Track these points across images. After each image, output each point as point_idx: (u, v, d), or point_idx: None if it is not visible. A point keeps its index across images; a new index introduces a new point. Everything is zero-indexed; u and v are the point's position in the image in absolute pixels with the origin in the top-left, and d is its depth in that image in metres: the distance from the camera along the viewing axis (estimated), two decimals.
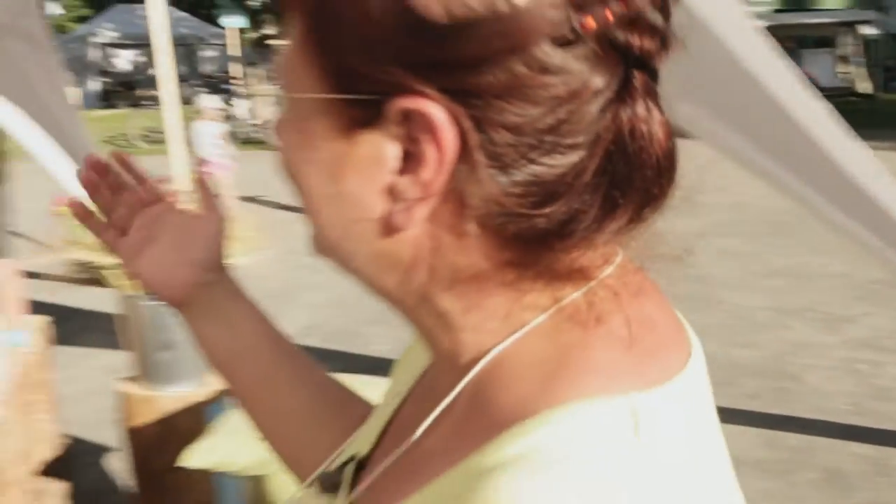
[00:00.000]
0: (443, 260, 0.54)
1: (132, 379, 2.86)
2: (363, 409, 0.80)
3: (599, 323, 0.53)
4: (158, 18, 3.96)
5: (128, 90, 21.45)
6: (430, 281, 0.55)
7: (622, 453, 0.47)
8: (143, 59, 24.18)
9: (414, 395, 0.67)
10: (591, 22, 0.48)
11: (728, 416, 4.29)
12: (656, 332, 0.56)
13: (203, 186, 0.87)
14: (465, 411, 0.54)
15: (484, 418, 0.52)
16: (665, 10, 0.51)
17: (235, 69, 16.82)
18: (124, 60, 24.30)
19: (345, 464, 0.67)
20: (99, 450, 3.84)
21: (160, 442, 2.69)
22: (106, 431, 3.76)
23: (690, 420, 0.55)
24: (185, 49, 21.62)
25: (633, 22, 0.49)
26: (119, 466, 3.72)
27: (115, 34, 23.10)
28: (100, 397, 4.02)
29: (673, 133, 0.53)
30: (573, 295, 0.54)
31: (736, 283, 6.19)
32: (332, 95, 0.52)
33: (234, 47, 17.23)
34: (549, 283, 0.54)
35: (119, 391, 2.85)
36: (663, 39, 0.51)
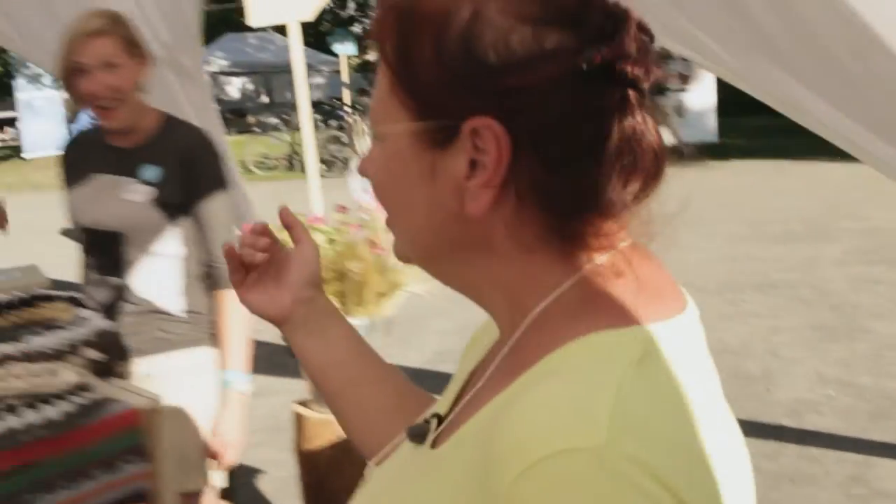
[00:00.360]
0: (505, 238, 0.73)
1: (307, 402, 2.87)
2: (430, 400, 0.95)
3: (618, 277, 0.72)
4: (297, 48, 4.05)
5: (238, 117, 22.04)
6: (496, 259, 0.74)
7: (617, 370, 0.64)
8: (252, 86, 24.86)
9: (482, 363, 0.83)
10: (597, 58, 0.68)
11: (885, 451, 4.06)
12: (659, 286, 0.75)
13: (293, 222, 1.04)
14: (514, 354, 0.73)
15: (526, 356, 0.70)
16: (644, 50, 0.71)
17: (346, 95, 17.09)
18: (235, 88, 25.06)
19: (427, 420, 0.81)
20: (252, 471, 3.88)
21: (335, 464, 2.70)
22: (261, 451, 3.81)
23: (688, 349, 0.72)
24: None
25: (626, 57, 0.69)
26: (272, 487, 3.78)
27: (226, 62, 23.82)
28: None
29: (660, 130, 0.73)
30: (600, 258, 0.73)
31: (882, 312, 5.90)
32: (420, 124, 0.72)
33: (345, 74, 17.56)
34: (582, 249, 0.73)
35: (295, 414, 2.87)
36: (648, 65, 0.71)
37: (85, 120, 23.00)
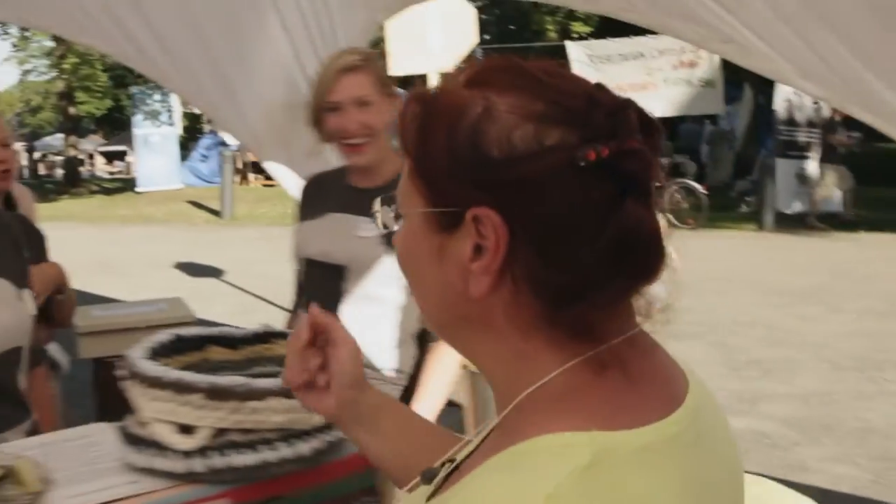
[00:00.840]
0: (504, 320, 0.79)
1: None
2: None
3: (603, 373, 0.76)
4: None
5: None
6: (496, 338, 0.80)
7: (560, 474, 0.68)
8: None
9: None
10: (592, 155, 0.73)
11: None
12: (646, 386, 0.78)
13: (326, 323, 1.10)
14: (499, 430, 0.80)
15: (504, 437, 0.76)
16: (652, 142, 0.76)
17: None
18: None
19: (443, 463, 0.88)
20: None
21: None
22: None
23: (661, 455, 0.74)
24: None
25: (624, 154, 0.74)
26: None
27: None
28: None
29: (656, 223, 0.76)
30: (588, 354, 0.77)
31: None
32: (428, 211, 0.80)
33: None
34: (573, 339, 0.77)
35: None
36: (647, 162, 0.75)
37: (196, 157, 23.68)
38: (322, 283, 2.29)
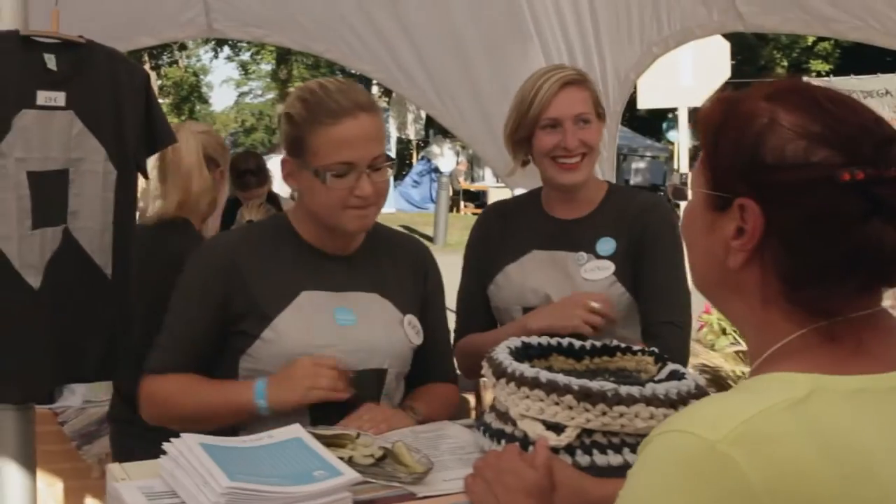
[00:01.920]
0: (752, 290, 0.98)
1: None
2: None
3: (832, 339, 0.94)
4: (684, 132, 4.10)
5: None
6: (746, 304, 1.00)
7: (775, 398, 0.88)
8: None
9: None
10: (846, 176, 0.89)
11: None
12: (874, 351, 0.94)
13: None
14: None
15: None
16: None
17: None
18: None
19: None
20: None
21: None
22: None
23: (861, 398, 0.90)
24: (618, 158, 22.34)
25: (880, 180, 0.90)
26: None
27: None
28: None
29: None
30: (822, 323, 0.94)
31: None
32: (708, 192, 1.01)
33: (675, 160, 17.53)
34: (806, 313, 0.95)
35: None
36: None
37: (409, 182, 23.98)
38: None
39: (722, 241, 0.99)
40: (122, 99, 2.20)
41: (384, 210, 2.53)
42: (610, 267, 2.16)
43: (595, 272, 2.16)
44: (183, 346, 1.90)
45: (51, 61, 2.11)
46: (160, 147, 2.35)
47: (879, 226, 0.90)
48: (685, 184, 1.12)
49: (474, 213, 20.11)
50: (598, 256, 2.17)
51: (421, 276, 2.08)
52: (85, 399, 3.30)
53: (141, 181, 2.38)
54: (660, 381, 1.56)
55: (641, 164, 23.98)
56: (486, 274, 2.27)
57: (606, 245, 2.18)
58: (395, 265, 2.04)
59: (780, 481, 0.83)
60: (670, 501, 0.87)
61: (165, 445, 1.48)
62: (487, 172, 22.45)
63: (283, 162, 1.94)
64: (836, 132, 0.92)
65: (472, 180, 22.80)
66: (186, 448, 1.44)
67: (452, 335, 2.26)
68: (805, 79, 1.05)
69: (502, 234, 2.28)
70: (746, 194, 0.95)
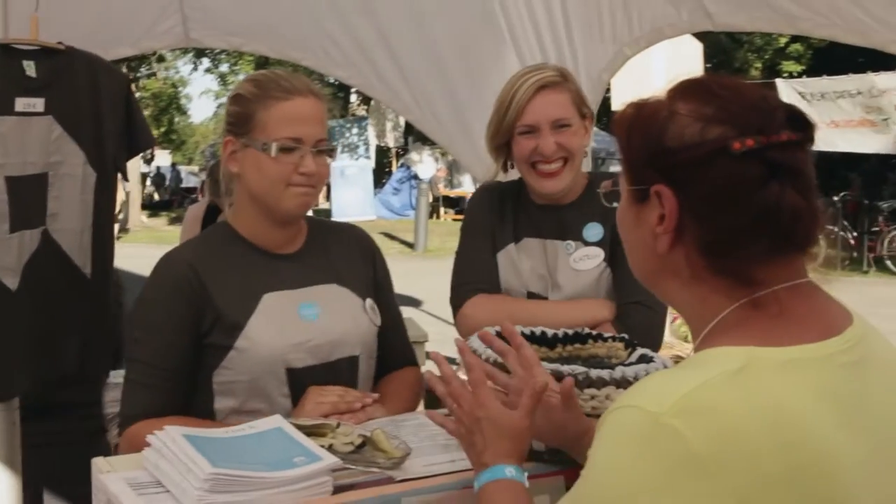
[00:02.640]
0: (683, 269, 1.08)
1: None
2: None
3: (763, 310, 1.03)
4: None
5: None
6: (681, 285, 1.10)
7: (713, 371, 0.96)
8: None
9: None
10: (737, 145, 1.01)
11: None
12: (803, 320, 1.03)
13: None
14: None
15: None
16: (805, 135, 1.05)
17: None
18: None
19: None
20: None
21: None
22: None
23: (807, 369, 0.98)
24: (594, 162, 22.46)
25: (771, 146, 1.01)
26: None
27: None
28: None
29: (804, 201, 1.02)
30: (750, 296, 1.04)
31: None
32: (629, 188, 1.12)
33: None
34: (736, 284, 1.04)
35: None
36: (792, 151, 1.03)
37: (388, 190, 24.03)
38: None
39: (649, 230, 1.10)
40: (103, 103, 2.24)
41: (364, 218, 2.59)
42: (599, 254, 2.17)
43: (584, 261, 2.17)
44: (165, 381, 1.85)
45: (30, 68, 2.14)
46: (141, 150, 2.38)
47: (777, 188, 1.00)
48: (616, 186, 1.20)
49: (455, 220, 20.17)
50: (587, 243, 2.19)
51: (370, 261, 2.13)
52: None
53: (121, 192, 2.41)
54: (629, 364, 1.61)
55: (619, 168, 24.04)
56: (494, 241, 2.27)
57: (594, 230, 2.19)
58: (344, 253, 2.08)
59: (722, 448, 0.90)
60: (626, 474, 0.95)
61: (149, 437, 1.51)
62: (466, 178, 22.55)
63: (226, 143, 1.94)
64: (727, 111, 1.04)
65: (452, 186, 22.87)
66: (170, 439, 1.48)
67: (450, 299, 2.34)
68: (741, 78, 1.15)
69: (501, 214, 2.28)
70: (659, 181, 1.06)
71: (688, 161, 1.04)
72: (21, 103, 2.15)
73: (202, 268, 1.91)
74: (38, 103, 2.17)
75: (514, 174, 2.33)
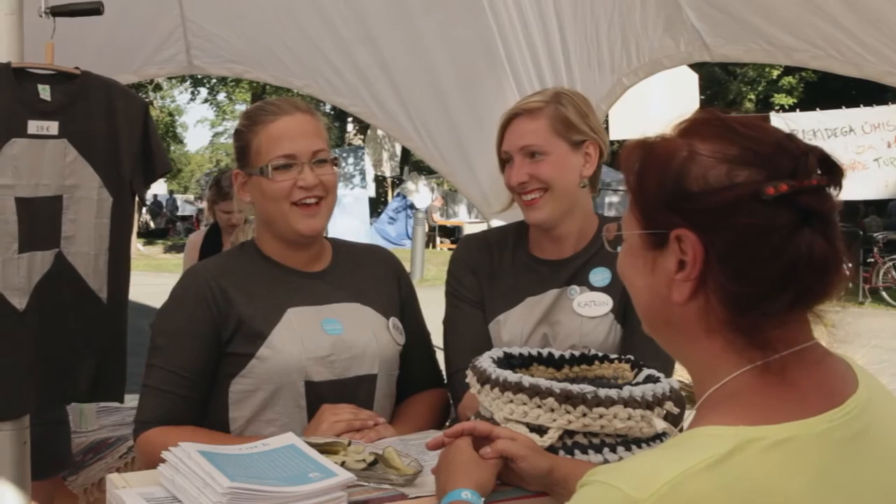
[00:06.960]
0: (696, 321, 1.00)
1: None
2: None
3: (766, 378, 0.97)
4: None
5: None
6: (691, 339, 1.02)
7: (699, 457, 0.89)
8: None
9: None
10: (771, 190, 0.93)
11: None
12: (805, 391, 0.97)
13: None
14: (693, 422, 0.99)
15: (690, 427, 0.98)
16: (834, 180, 0.98)
17: None
18: None
19: None
20: None
21: None
22: None
23: (784, 448, 0.91)
24: None
25: (802, 191, 0.95)
26: None
27: None
28: None
29: (833, 251, 0.95)
30: (758, 362, 0.97)
31: None
32: (643, 232, 1.03)
33: None
34: (749, 344, 0.97)
35: None
36: (824, 197, 0.96)
37: (384, 219, 23.94)
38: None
39: (665, 277, 1.01)
40: (118, 128, 2.28)
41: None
42: (606, 301, 2.03)
43: (590, 307, 2.03)
44: (182, 388, 1.89)
45: (45, 92, 2.18)
46: (158, 175, 2.42)
47: (809, 235, 0.94)
48: (621, 231, 1.10)
49: (450, 249, 20.15)
50: (593, 288, 2.05)
51: (395, 281, 2.16)
52: (71, 430, 3.31)
53: None
54: (636, 384, 1.64)
55: (615, 199, 24.13)
56: (483, 307, 2.14)
57: (601, 275, 2.05)
58: (369, 274, 2.11)
59: None
60: None
61: (164, 454, 1.54)
62: (462, 208, 22.60)
63: (235, 175, 2.05)
64: (754, 152, 0.97)
65: (447, 216, 22.91)
66: (185, 455, 1.50)
67: (444, 370, 2.19)
68: (727, 113, 1.07)
69: (491, 269, 2.14)
70: (680, 225, 0.98)
71: (715, 205, 0.96)
72: (34, 126, 2.18)
73: (227, 279, 1.96)
74: (51, 126, 2.20)
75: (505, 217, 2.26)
